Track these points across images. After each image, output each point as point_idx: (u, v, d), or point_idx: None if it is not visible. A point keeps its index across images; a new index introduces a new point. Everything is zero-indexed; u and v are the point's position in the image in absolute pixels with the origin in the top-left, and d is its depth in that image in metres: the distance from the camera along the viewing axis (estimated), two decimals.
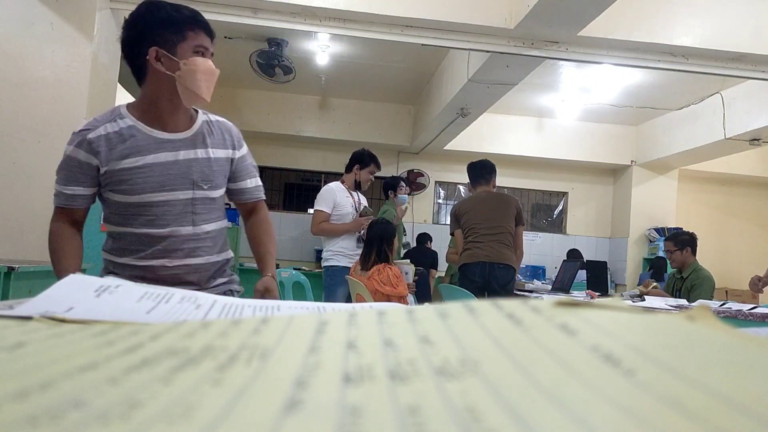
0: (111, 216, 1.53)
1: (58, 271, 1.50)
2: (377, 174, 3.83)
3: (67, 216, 1.54)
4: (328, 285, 3.54)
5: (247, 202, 1.74)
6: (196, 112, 1.61)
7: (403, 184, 4.85)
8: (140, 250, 1.51)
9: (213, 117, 1.65)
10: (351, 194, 3.61)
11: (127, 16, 1.49)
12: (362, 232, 3.53)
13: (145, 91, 1.50)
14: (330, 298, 3.45)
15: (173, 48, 1.44)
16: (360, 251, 3.56)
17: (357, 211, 3.58)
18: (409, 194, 5.13)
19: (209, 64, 1.48)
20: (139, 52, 1.45)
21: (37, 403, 0.17)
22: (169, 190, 1.50)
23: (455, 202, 3.80)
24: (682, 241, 4.15)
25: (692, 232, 4.29)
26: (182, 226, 1.53)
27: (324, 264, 3.59)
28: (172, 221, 1.52)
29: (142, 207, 1.48)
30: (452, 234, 3.66)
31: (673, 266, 4.25)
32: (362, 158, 3.66)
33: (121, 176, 1.46)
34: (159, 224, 1.50)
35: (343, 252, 3.52)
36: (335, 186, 3.62)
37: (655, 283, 4.29)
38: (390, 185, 4.86)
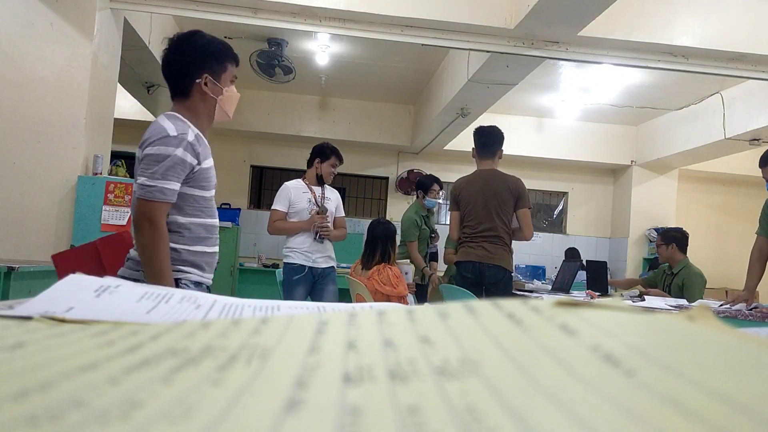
0: (187, 208, 1.75)
1: (165, 271, 1.67)
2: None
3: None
4: (285, 282, 3.51)
5: None
6: None
7: (436, 186, 4.71)
8: (208, 237, 1.81)
9: None
10: (311, 190, 3.53)
11: (170, 38, 1.80)
12: (317, 231, 3.45)
13: (188, 105, 1.80)
14: (287, 296, 3.39)
15: (218, 77, 1.80)
16: (321, 248, 3.48)
17: (318, 206, 3.50)
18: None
19: (237, 92, 1.88)
20: (188, 74, 1.78)
21: (36, 403, 0.17)
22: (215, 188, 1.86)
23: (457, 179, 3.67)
24: (669, 237, 4.29)
25: (684, 230, 4.39)
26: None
27: (283, 260, 3.56)
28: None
29: (209, 200, 1.80)
30: (450, 211, 3.60)
31: (660, 260, 4.45)
32: (322, 151, 3.58)
33: (205, 174, 1.76)
34: (215, 216, 1.84)
35: (299, 249, 3.46)
36: (291, 184, 3.57)
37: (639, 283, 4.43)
38: (422, 184, 4.74)
